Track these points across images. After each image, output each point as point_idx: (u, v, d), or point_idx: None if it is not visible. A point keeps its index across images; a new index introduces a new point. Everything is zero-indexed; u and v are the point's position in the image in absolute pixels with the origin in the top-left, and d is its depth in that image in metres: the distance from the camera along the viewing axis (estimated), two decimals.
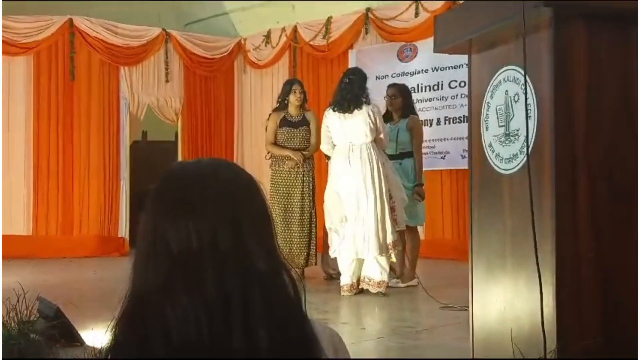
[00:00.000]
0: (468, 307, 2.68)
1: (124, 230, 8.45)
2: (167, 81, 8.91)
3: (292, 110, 6.14)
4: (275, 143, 6.11)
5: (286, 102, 6.15)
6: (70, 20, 8.31)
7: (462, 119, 7.39)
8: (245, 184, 1.06)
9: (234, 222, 1.00)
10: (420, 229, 6.25)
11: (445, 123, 7.70)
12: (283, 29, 9.07)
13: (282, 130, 6.09)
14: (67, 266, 7.28)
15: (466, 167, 6.98)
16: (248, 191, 1.05)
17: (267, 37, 9.28)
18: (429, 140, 7.46)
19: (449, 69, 7.55)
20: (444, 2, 7.41)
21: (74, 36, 8.34)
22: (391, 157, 5.57)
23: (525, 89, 2.21)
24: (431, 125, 7.73)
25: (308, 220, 6.03)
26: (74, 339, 3.43)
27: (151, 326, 0.96)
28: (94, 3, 8.94)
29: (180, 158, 9.06)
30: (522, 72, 2.21)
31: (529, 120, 2.20)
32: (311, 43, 8.80)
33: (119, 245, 8.37)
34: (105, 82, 8.50)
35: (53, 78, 8.27)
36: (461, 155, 7.28)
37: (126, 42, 8.60)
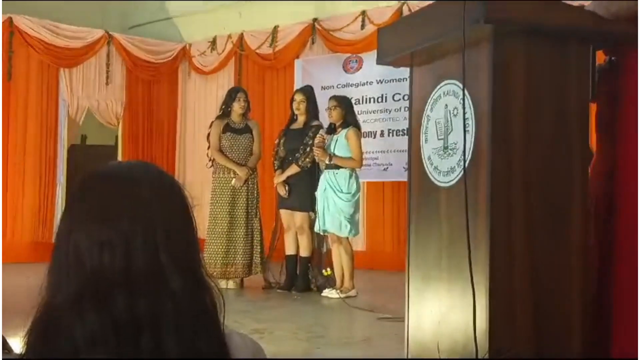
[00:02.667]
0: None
1: None
2: (107, 84, 8.73)
3: (235, 117, 6.15)
4: (220, 149, 6.08)
5: (229, 109, 6.14)
6: (10, 19, 8.08)
7: (405, 131, 7.47)
8: (166, 191, 1.01)
9: (149, 234, 0.95)
10: (359, 240, 6.28)
11: (388, 135, 7.78)
12: (229, 36, 9.03)
13: (225, 136, 6.07)
14: None
15: None
16: (169, 200, 1.00)
17: (213, 43, 9.21)
18: (372, 152, 7.52)
19: (393, 81, 7.63)
20: (391, 14, 7.49)
21: (12, 35, 8.11)
22: (328, 166, 5.61)
23: (464, 103, 2.24)
24: (375, 137, 7.80)
25: (252, 229, 6.02)
26: (4, 347, 3.30)
27: (60, 344, 0.92)
28: (36, 2, 8.73)
29: None
30: (462, 87, 2.24)
31: (467, 134, 2.22)
32: (257, 51, 8.78)
33: None
34: (44, 83, 8.29)
35: None
36: (404, 168, 7.34)
37: (67, 43, 8.41)
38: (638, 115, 2.16)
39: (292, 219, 5.95)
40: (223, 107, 6.22)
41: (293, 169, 5.88)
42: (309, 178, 5.90)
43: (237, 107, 6.11)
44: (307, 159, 5.85)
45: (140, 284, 0.93)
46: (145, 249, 0.95)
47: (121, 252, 0.94)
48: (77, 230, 0.96)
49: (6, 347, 3.34)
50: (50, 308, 0.96)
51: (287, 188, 5.90)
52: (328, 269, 5.82)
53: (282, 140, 6.06)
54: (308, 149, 5.83)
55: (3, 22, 8.06)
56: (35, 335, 0.95)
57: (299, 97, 6.01)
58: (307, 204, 5.87)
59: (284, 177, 5.91)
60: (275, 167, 6.06)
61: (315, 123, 5.96)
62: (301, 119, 6.00)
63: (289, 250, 5.98)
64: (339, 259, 5.66)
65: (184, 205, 1.03)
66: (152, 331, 0.93)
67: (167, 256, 0.96)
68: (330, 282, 5.77)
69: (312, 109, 6.00)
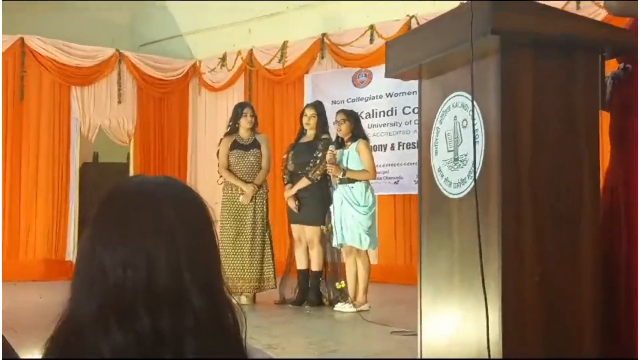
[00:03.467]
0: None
1: (71, 254, 8.24)
2: (119, 102, 8.80)
3: (243, 133, 6.16)
4: (228, 167, 6.10)
5: (237, 125, 6.16)
6: (22, 40, 8.16)
7: (415, 144, 7.46)
8: (189, 208, 1.02)
9: (171, 252, 0.96)
10: (372, 253, 6.26)
11: (398, 148, 7.77)
12: (239, 52, 9.07)
13: (233, 153, 6.10)
14: (12, 290, 7.05)
15: None
16: (191, 217, 1.01)
17: (223, 59, 9.27)
18: (383, 166, 7.51)
19: (402, 95, 7.64)
20: (399, 28, 7.51)
21: (24, 55, 8.19)
22: (341, 180, 5.60)
23: (473, 114, 2.24)
24: (385, 150, 7.79)
25: (260, 244, 6.02)
26: (4, 347, 3.31)
27: (82, 357, 0.94)
28: (47, 22, 8.83)
29: None
30: (470, 98, 2.24)
31: (476, 146, 2.23)
32: (267, 67, 8.82)
33: (67, 269, 8.13)
34: (56, 102, 8.35)
35: (2, 98, 8.08)
36: (414, 181, 7.34)
37: (78, 62, 8.48)
38: None
39: (303, 233, 5.95)
40: (230, 123, 6.24)
41: (303, 182, 5.88)
42: (320, 192, 5.90)
43: (244, 123, 6.14)
44: (318, 172, 5.86)
45: (163, 302, 0.94)
46: (168, 266, 0.96)
47: (144, 270, 0.95)
48: (101, 246, 0.97)
49: (6, 347, 3.36)
50: (72, 322, 0.97)
51: (297, 202, 5.90)
52: (342, 282, 5.80)
53: (290, 155, 6.07)
54: (318, 162, 5.84)
55: (14, 43, 8.14)
56: (56, 347, 0.97)
57: (309, 112, 6.03)
58: (318, 217, 5.86)
59: (294, 190, 5.92)
60: (285, 182, 6.06)
61: (324, 137, 5.98)
62: (310, 133, 6.01)
63: (301, 264, 5.98)
64: (354, 272, 5.65)
65: (207, 221, 1.03)
66: (174, 348, 0.94)
67: (189, 274, 0.96)
68: (343, 295, 5.75)
69: (322, 124, 6.02)
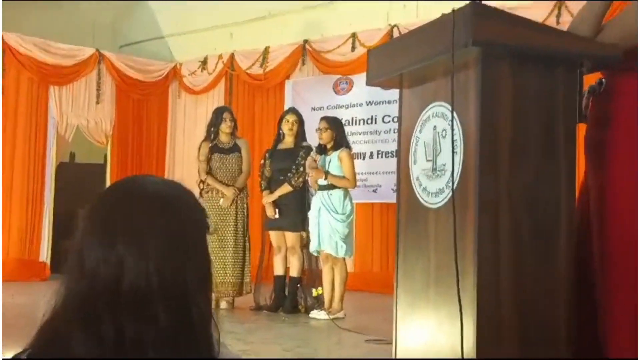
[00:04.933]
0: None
1: (45, 254, 8.15)
2: (97, 102, 8.72)
3: (223, 137, 6.16)
4: (209, 171, 6.08)
5: (217, 130, 6.14)
6: (1, 37, 8.07)
7: (394, 153, 7.49)
8: (177, 213, 0.99)
9: (142, 256, 0.94)
10: (349, 261, 6.26)
11: (378, 157, 7.79)
12: (220, 56, 9.05)
13: (214, 157, 6.09)
14: None
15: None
16: (169, 221, 0.98)
17: (204, 63, 9.24)
18: (361, 174, 7.52)
19: (383, 103, 7.66)
20: (381, 37, 7.54)
21: (3, 53, 8.10)
22: (321, 187, 5.60)
23: (452, 125, 2.25)
24: (364, 158, 7.81)
25: (242, 248, 6.02)
26: None
27: (56, 356, 0.93)
28: (28, 19, 8.74)
29: (108, 181, 8.85)
30: (450, 109, 2.25)
31: (455, 156, 2.23)
32: (248, 71, 8.81)
33: (40, 270, 8.06)
34: (33, 101, 8.26)
35: None
36: (392, 189, 7.36)
37: (58, 61, 8.40)
38: (628, 137, 2.19)
39: (282, 239, 5.93)
40: (212, 128, 6.22)
41: (285, 189, 5.86)
42: (300, 198, 5.89)
43: (224, 127, 6.13)
44: (300, 179, 5.85)
45: (127, 308, 0.92)
46: (137, 270, 0.93)
47: (113, 272, 0.93)
48: (82, 247, 0.96)
49: None
50: (54, 319, 0.97)
51: (276, 209, 5.88)
52: (319, 289, 5.79)
53: (268, 161, 6.04)
54: (301, 169, 5.83)
55: None
56: (37, 344, 0.97)
57: (291, 118, 6.00)
58: (299, 224, 5.85)
59: (275, 196, 5.89)
60: (263, 188, 6.03)
61: (305, 144, 5.97)
62: (290, 139, 5.99)
63: (278, 270, 5.96)
64: (330, 279, 5.64)
65: (193, 228, 1.00)
66: (136, 355, 0.92)
67: (158, 281, 0.94)
68: (319, 302, 5.74)
69: (302, 131, 6.01)
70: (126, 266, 0.93)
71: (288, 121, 5.99)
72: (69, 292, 0.96)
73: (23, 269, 7.93)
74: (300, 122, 6.01)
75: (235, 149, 6.14)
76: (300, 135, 5.98)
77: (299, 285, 5.90)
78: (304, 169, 5.78)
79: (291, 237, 5.87)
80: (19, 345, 1.02)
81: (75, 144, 9.03)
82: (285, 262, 5.93)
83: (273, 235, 5.99)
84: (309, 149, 5.88)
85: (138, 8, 9.76)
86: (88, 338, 0.92)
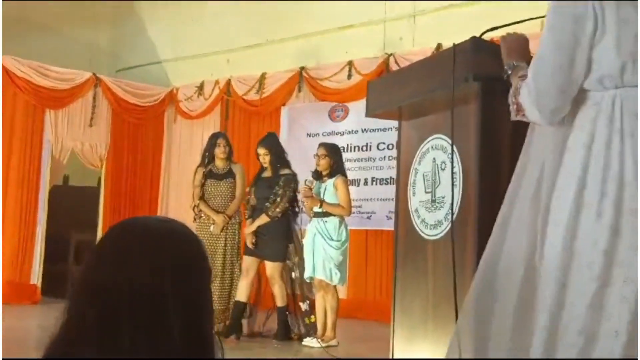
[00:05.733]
0: None
1: (36, 277, 8.08)
2: (90, 125, 8.71)
3: (218, 163, 6.16)
4: (202, 197, 6.08)
5: (212, 155, 6.15)
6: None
7: (388, 180, 7.51)
8: (184, 245, 1.11)
9: (159, 281, 1.02)
10: (341, 288, 6.24)
11: (372, 184, 7.81)
12: (217, 82, 9.08)
13: (207, 182, 6.10)
14: None
15: (391, 228, 7.11)
16: (185, 253, 1.10)
17: (200, 88, 9.27)
18: (356, 200, 7.53)
19: (378, 131, 7.69)
20: (377, 65, 7.60)
21: (0, 75, 8.11)
22: (316, 214, 5.61)
23: (452, 157, 2.27)
24: (358, 185, 7.82)
25: (229, 275, 5.98)
26: None
27: None
28: (25, 41, 8.77)
29: (101, 204, 8.83)
30: (450, 142, 2.27)
31: (455, 188, 2.25)
32: (244, 97, 8.84)
33: (31, 293, 7.99)
34: (29, 123, 8.24)
35: None
36: (387, 216, 7.37)
37: (54, 84, 8.40)
38: None
39: (254, 265, 5.84)
40: (206, 154, 6.23)
41: (263, 219, 5.80)
42: (280, 228, 5.81)
43: (218, 153, 6.14)
44: (278, 210, 5.77)
45: (144, 324, 1.00)
46: (153, 292, 1.02)
47: (130, 293, 1.01)
48: (100, 268, 1.05)
49: None
50: (61, 337, 1.04)
51: (254, 238, 5.82)
52: (312, 317, 5.76)
53: (253, 189, 6.01)
54: (278, 199, 5.77)
55: None
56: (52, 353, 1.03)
57: (261, 151, 5.94)
58: (279, 253, 5.78)
59: (253, 227, 5.84)
60: (247, 216, 6.00)
61: (284, 172, 5.90)
62: (268, 168, 5.95)
63: (240, 296, 5.82)
64: (323, 307, 5.62)
65: (199, 259, 1.13)
66: None
67: (174, 302, 1.03)
68: (313, 329, 5.71)
69: (276, 160, 5.92)
70: (144, 289, 1.02)
71: (259, 155, 5.97)
72: (80, 311, 1.03)
73: (14, 291, 7.85)
74: (272, 152, 5.91)
75: (229, 174, 6.13)
76: (274, 164, 5.90)
77: (287, 313, 5.84)
78: (282, 198, 5.74)
79: (270, 266, 5.78)
80: None
81: (69, 166, 9.01)
82: (249, 288, 5.85)
83: (246, 260, 5.89)
84: (289, 177, 5.84)
85: (135, 33, 9.81)
86: (104, 351, 0.98)
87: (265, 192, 5.87)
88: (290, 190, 5.84)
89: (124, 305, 1.00)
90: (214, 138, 6.28)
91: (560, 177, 1.82)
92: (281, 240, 5.80)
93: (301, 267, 5.78)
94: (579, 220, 1.77)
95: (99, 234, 8.61)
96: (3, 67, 8.09)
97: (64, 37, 9.43)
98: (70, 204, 9.08)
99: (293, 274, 5.88)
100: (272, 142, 6.03)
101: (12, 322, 6.31)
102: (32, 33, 9.08)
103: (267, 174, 5.98)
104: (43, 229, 8.23)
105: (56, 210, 8.47)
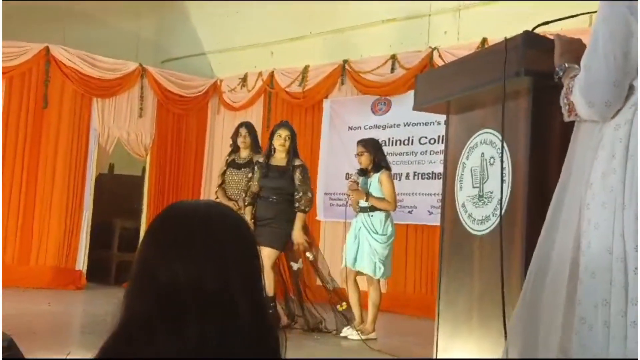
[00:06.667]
0: None
1: (82, 263, 8.26)
2: (140, 116, 8.87)
3: (242, 153, 6.25)
4: (222, 185, 6.23)
5: (236, 145, 6.27)
6: (47, 48, 8.26)
7: (430, 175, 7.47)
8: (236, 226, 1.11)
9: (220, 263, 1.04)
10: (382, 282, 6.24)
11: (414, 178, 7.77)
12: (260, 74, 9.14)
13: (228, 171, 6.26)
14: (20, 296, 7.08)
15: (433, 224, 7.07)
16: (238, 233, 1.10)
17: (244, 80, 9.33)
18: (398, 194, 7.48)
19: (420, 125, 7.65)
20: (421, 59, 7.56)
21: (49, 64, 8.28)
22: (362, 209, 5.62)
23: (502, 152, 2.25)
24: (400, 179, 7.79)
25: None
26: (9, 349, 3.32)
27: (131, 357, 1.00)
28: (72, 31, 8.94)
29: (145, 193, 8.96)
30: (499, 136, 2.26)
31: (504, 184, 2.23)
32: (287, 89, 8.87)
33: (76, 279, 8.17)
34: (77, 112, 8.41)
35: (24, 105, 8.16)
36: (428, 211, 7.33)
37: (102, 74, 8.56)
38: None
39: (271, 256, 5.69)
40: (232, 143, 6.33)
41: (301, 218, 5.67)
42: (285, 217, 5.67)
43: (239, 142, 6.22)
44: (309, 202, 5.73)
45: (211, 311, 1.01)
46: (217, 274, 1.03)
47: (194, 279, 1.02)
48: (154, 258, 1.06)
49: (11, 349, 3.37)
50: (123, 328, 1.04)
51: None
52: (344, 304, 5.77)
53: (257, 175, 5.77)
54: (301, 194, 5.65)
55: (39, 52, 8.24)
56: (109, 350, 1.04)
57: (284, 133, 5.72)
58: (276, 242, 5.59)
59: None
60: (246, 203, 5.78)
61: (297, 162, 5.75)
62: (281, 155, 5.75)
63: None
64: (357, 298, 5.64)
65: (250, 237, 1.13)
66: (215, 349, 1.00)
67: (236, 281, 1.04)
68: (348, 318, 5.71)
69: (294, 147, 5.79)
70: (206, 272, 1.03)
71: (280, 136, 5.72)
72: (146, 299, 1.04)
73: (59, 277, 8.04)
74: (293, 137, 5.77)
75: (249, 164, 6.10)
76: (292, 151, 5.74)
77: (274, 303, 5.57)
78: (307, 190, 5.67)
79: (266, 252, 5.46)
80: (51, 352, 1.09)
81: (114, 155, 9.17)
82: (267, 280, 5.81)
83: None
84: (304, 168, 5.74)
85: (180, 24, 9.92)
86: (171, 341, 0.99)
87: (276, 182, 5.67)
88: (309, 181, 5.81)
89: (191, 303, 1.00)
90: (238, 127, 6.37)
91: (593, 174, 1.80)
92: (283, 230, 5.65)
93: (319, 254, 5.80)
94: (607, 218, 1.75)
95: (143, 222, 8.76)
96: (51, 55, 8.26)
97: (109, 28, 9.58)
98: (115, 192, 9.26)
99: (295, 265, 5.86)
100: (292, 129, 5.87)
101: (58, 307, 6.47)
102: (77, 24, 9.25)
103: (275, 162, 5.75)
104: (89, 215, 8.40)
105: (101, 198, 8.64)
